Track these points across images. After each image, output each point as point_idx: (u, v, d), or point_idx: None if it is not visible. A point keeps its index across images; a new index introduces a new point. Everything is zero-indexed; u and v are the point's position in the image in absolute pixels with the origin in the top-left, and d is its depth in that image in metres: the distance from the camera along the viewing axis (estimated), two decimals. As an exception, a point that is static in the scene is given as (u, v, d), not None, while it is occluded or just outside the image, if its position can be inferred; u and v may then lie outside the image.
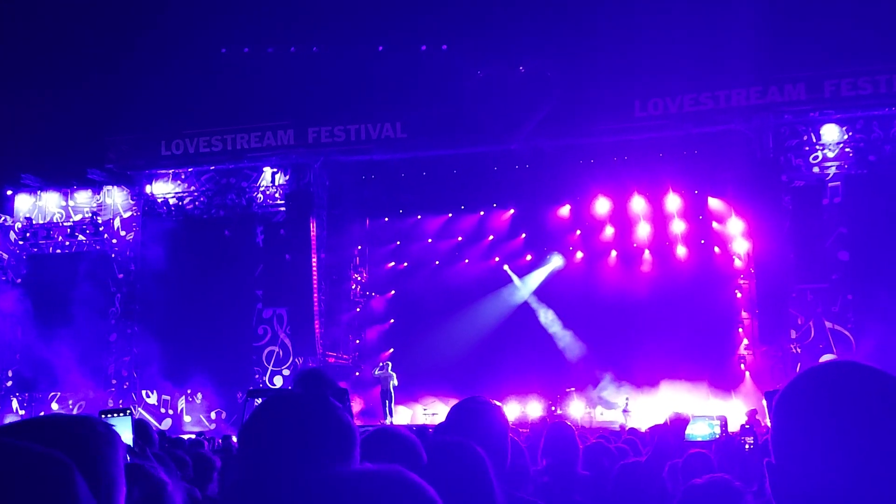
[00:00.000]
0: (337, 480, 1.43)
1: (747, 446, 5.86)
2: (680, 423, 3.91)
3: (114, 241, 24.09)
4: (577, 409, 21.26)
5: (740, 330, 21.69)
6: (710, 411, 18.55)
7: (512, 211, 24.32)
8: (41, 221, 24.55)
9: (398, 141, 21.48)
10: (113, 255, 23.95)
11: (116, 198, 24.27)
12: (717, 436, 4.72)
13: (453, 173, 22.62)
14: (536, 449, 5.56)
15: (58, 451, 1.40)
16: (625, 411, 20.65)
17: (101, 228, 24.14)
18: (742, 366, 21.27)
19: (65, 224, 24.45)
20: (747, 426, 8.34)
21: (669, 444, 3.88)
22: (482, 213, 24.50)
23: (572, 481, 5.54)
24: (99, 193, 24.39)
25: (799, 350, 19.48)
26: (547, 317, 24.15)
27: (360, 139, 21.70)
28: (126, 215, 24.12)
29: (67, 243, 24.32)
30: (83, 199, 24.50)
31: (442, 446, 2.83)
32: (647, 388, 21.06)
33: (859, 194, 19.57)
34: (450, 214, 24.58)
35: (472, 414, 3.76)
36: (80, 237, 24.21)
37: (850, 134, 19.85)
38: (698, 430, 4.79)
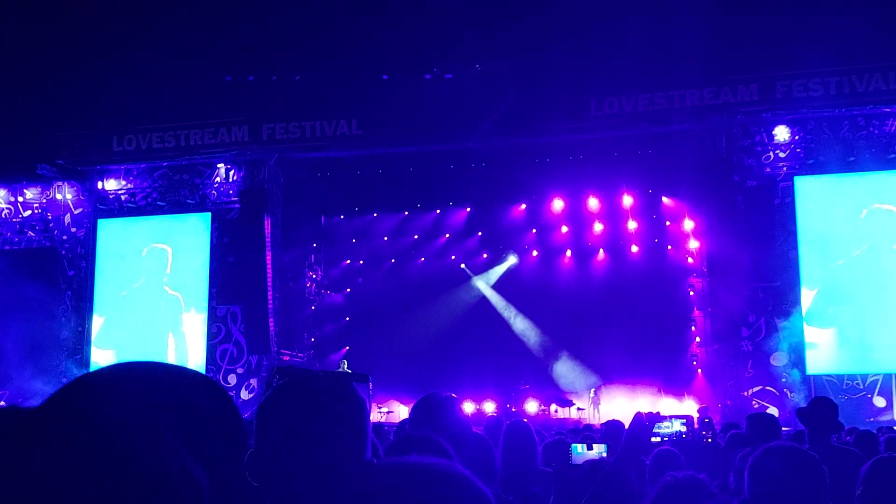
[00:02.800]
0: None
1: (708, 440, 5.94)
2: (648, 420, 3.94)
3: (64, 237, 23.73)
4: (532, 406, 21.42)
5: (693, 328, 21.94)
6: (667, 409, 18.84)
7: (468, 209, 24.37)
8: (-11, 218, 24.15)
9: (354, 138, 21.39)
10: (63, 252, 23.60)
11: (67, 193, 23.91)
12: (684, 433, 4.79)
13: (409, 171, 22.58)
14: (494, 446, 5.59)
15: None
16: (578, 408, 20.90)
17: (50, 224, 23.77)
18: (694, 362, 21.53)
19: (14, 220, 24.04)
20: (706, 420, 8.45)
21: (638, 442, 3.92)
22: (438, 211, 24.52)
23: (531, 477, 5.58)
24: (49, 189, 24.01)
25: (750, 348, 19.75)
26: (504, 307, 24.30)
27: (315, 136, 21.56)
28: (77, 211, 23.76)
29: (17, 239, 23.90)
30: (33, 195, 24.10)
31: (406, 441, 2.86)
32: (603, 386, 21.26)
33: (810, 194, 19.91)
34: (406, 213, 24.57)
35: (435, 409, 3.78)
36: (30, 233, 23.83)
37: (801, 134, 20.16)
38: (664, 429, 4.86)
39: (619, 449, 3.99)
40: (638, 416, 4.06)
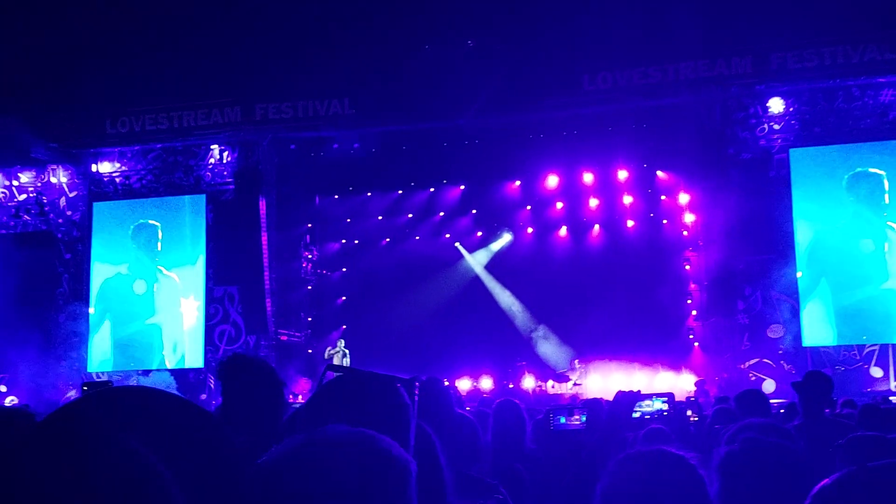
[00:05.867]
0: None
1: (693, 419, 5.98)
2: (629, 399, 3.96)
3: (60, 220, 23.73)
4: (529, 382, 21.49)
5: (689, 301, 21.96)
6: (659, 385, 18.87)
7: (462, 187, 24.32)
8: (-16, 202, 24.14)
9: (346, 117, 21.33)
10: (59, 236, 23.61)
11: (61, 177, 23.89)
12: (666, 411, 4.82)
13: (402, 150, 22.53)
14: (485, 424, 5.62)
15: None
16: (574, 383, 20.97)
17: (46, 208, 23.75)
18: (691, 336, 21.57)
19: (9, 204, 24.02)
20: (692, 398, 8.47)
21: (618, 421, 3.94)
22: (432, 189, 24.46)
23: (519, 456, 5.60)
24: (44, 172, 23.98)
25: (746, 321, 19.79)
26: (498, 290, 24.33)
27: (307, 116, 21.51)
28: (72, 194, 23.75)
29: (12, 224, 23.88)
30: (27, 179, 24.08)
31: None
32: (599, 361, 21.30)
33: (805, 166, 19.87)
34: (399, 191, 24.51)
35: (420, 391, 3.78)
36: (26, 217, 23.81)
37: (796, 106, 20.10)
38: (646, 407, 4.89)
39: (600, 428, 4.02)
40: (619, 394, 4.08)
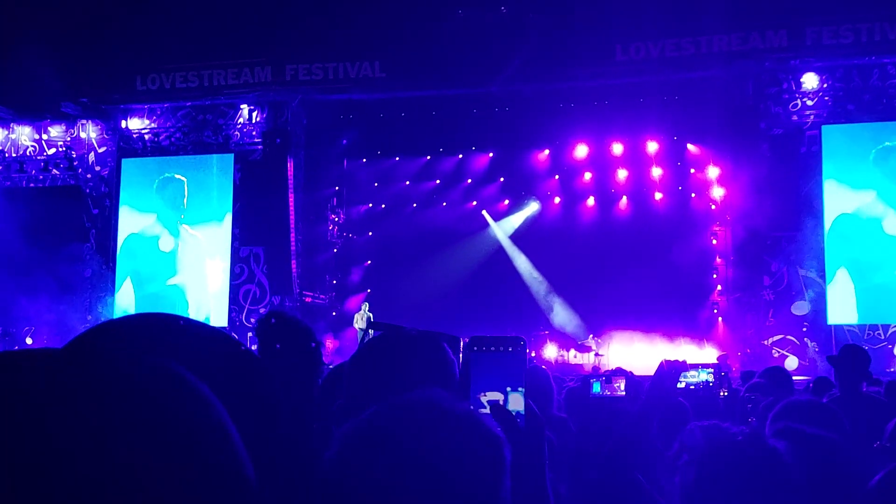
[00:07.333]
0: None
1: (723, 394, 5.98)
2: (673, 369, 3.94)
3: (88, 175, 23.85)
4: (551, 352, 21.55)
5: (714, 276, 21.89)
6: (686, 356, 18.82)
7: (491, 154, 24.26)
8: (14, 155, 24.25)
9: (376, 80, 21.27)
10: (87, 191, 23.74)
11: (91, 132, 23.98)
12: (711, 382, 4.81)
13: (432, 115, 22.47)
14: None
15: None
16: (596, 353, 21.03)
17: (75, 163, 23.87)
18: (715, 310, 21.53)
19: (38, 158, 24.16)
20: (723, 373, 8.46)
21: (662, 392, 3.92)
22: (460, 156, 24.40)
23: (546, 423, 5.62)
24: (73, 127, 24.07)
25: (772, 297, 19.73)
26: (522, 259, 24.35)
27: (337, 78, 21.46)
28: (101, 150, 23.85)
29: (41, 177, 24.04)
30: (57, 133, 24.18)
31: None
32: (623, 333, 21.31)
33: (837, 143, 19.70)
34: (428, 157, 24.47)
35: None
36: (55, 171, 23.95)
37: (830, 82, 19.89)
38: (691, 377, 4.88)
39: (642, 399, 3.99)
40: (663, 365, 4.03)
